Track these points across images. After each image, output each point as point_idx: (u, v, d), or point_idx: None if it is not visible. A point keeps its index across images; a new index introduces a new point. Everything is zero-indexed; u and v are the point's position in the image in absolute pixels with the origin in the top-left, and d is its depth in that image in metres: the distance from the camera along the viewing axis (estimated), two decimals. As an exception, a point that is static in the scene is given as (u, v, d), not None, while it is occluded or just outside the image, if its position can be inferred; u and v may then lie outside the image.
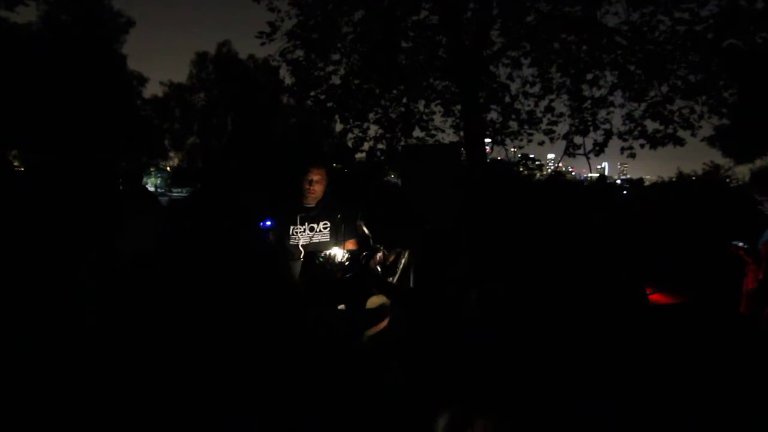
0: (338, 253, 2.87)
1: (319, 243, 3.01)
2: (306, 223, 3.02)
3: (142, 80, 28.43)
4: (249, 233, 3.02)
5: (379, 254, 2.84)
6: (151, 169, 40.43)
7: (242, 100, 30.22)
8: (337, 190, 3.29)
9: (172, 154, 34.75)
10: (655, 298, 3.43)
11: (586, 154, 8.53)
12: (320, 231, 3.05)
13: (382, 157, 10.13)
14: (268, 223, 3.00)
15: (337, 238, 3.06)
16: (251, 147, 27.43)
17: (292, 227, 3.00)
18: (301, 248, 2.97)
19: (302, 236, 3.00)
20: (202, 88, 33.44)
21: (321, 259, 2.82)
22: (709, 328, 2.98)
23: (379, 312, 2.82)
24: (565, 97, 8.44)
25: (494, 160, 13.51)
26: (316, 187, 3.01)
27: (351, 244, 3.11)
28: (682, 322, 2.94)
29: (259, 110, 29.52)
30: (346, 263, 2.85)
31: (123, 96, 25.22)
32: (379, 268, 2.86)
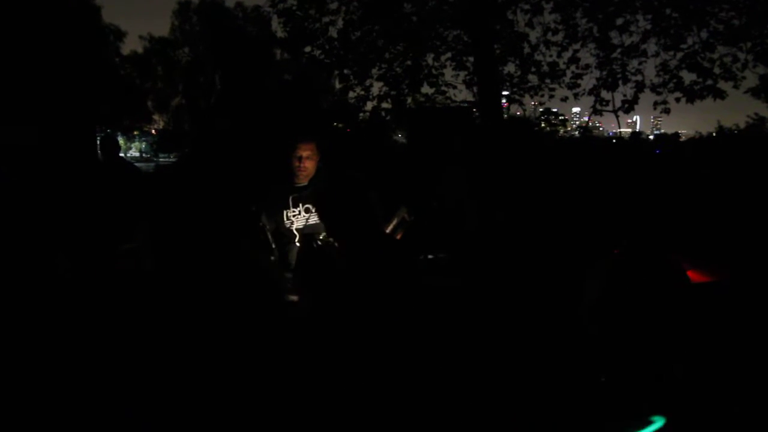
0: (338, 236, 2.85)
1: (317, 224, 2.98)
2: (300, 205, 2.99)
3: (120, 35, 28.10)
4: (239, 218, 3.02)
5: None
6: (135, 133, 40.29)
7: (231, 56, 29.76)
8: (334, 161, 3.24)
9: (156, 116, 34.59)
10: (689, 275, 3.41)
11: (615, 111, 8.38)
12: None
13: (388, 117, 9.99)
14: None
15: (335, 218, 3.03)
16: (242, 107, 27.17)
17: (285, 211, 2.97)
18: (296, 232, 2.95)
19: (297, 219, 2.97)
20: (186, 42, 32.95)
21: (320, 243, 2.80)
22: (745, 308, 2.98)
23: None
24: (591, 46, 8.23)
25: (513, 117, 13.30)
26: (307, 163, 2.95)
27: None
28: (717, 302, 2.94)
29: (249, 66, 29.09)
30: (347, 246, 2.84)
31: (99, 53, 24.91)
32: None
